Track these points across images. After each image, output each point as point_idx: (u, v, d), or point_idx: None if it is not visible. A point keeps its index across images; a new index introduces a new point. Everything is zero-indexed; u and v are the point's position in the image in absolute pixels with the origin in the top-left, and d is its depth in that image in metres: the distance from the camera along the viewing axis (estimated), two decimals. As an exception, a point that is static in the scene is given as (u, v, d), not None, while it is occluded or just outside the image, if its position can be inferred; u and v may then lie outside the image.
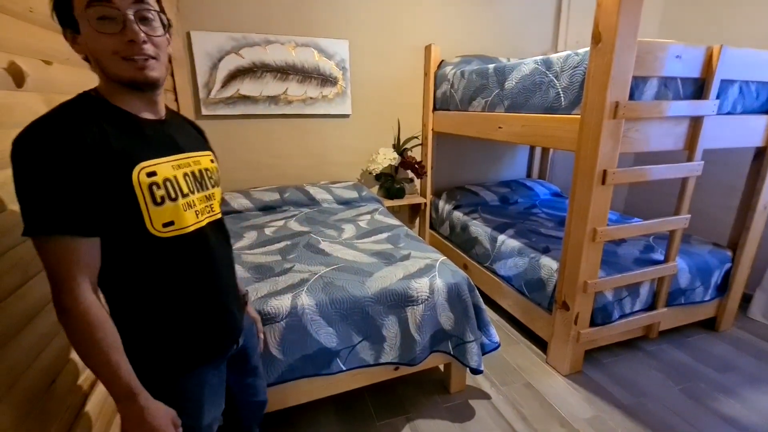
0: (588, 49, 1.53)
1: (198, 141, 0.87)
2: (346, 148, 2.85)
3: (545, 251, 2.08)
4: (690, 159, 1.75)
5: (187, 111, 2.35)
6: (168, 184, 0.71)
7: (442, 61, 2.78)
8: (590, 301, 1.80)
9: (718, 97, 1.67)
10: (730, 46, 1.64)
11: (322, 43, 2.56)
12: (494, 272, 2.36)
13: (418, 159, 2.96)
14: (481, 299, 1.66)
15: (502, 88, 2.08)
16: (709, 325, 2.26)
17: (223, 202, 2.38)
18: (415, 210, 3.20)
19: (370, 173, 2.85)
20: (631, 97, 1.52)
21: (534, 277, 2.04)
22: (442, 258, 1.77)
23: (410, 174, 2.97)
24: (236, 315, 0.90)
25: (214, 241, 0.83)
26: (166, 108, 0.81)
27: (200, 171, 0.81)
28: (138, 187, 0.67)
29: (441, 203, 3.02)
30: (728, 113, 1.76)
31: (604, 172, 1.57)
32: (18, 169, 0.60)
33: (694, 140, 1.71)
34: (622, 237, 1.84)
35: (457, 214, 2.80)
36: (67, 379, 0.93)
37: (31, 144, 0.60)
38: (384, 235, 2.06)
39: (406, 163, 2.86)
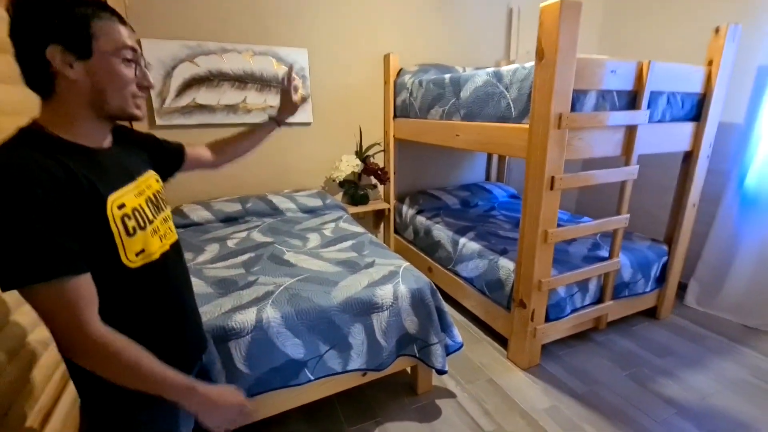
0: (533, 63, 1.64)
1: (140, 158, 0.84)
2: (309, 156, 2.85)
3: (503, 253, 2.18)
4: (627, 164, 1.91)
5: (142, 121, 2.27)
6: (136, 213, 0.72)
7: (401, 69, 2.85)
8: (545, 299, 1.92)
9: (649, 107, 1.84)
10: (663, 60, 1.82)
11: (280, 52, 2.55)
12: (457, 274, 2.45)
13: (381, 165, 3.01)
14: (443, 302, 1.73)
15: (458, 98, 2.17)
16: (651, 313, 2.46)
17: (183, 214, 2.32)
18: (379, 216, 3.25)
19: (334, 180, 2.87)
20: (573, 108, 1.64)
21: (493, 278, 2.14)
22: (405, 264, 1.82)
23: (373, 180, 3.02)
24: (201, 329, 0.93)
25: (176, 261, 0.84)
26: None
27: (154, 194, 0.80)
28: (112, 221, 0.66)
29: (404, 208, 3.08)
30: (659, 121, 1.94)
31: (552, 178, 1.68)
32: None
33: (630, 147, 1.87)
34: (571, 237, 1.97)
35: (420, 219, 2.87)
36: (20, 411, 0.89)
37: (3, 190, 0.55)
38: (348, 243, 2.08)
39: (369, 169, 2.90)
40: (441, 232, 2.62)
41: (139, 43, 2.20)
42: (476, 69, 2.83)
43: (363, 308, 1.54)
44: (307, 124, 2.78)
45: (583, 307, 2.12)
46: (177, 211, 2.35)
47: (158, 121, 2.35)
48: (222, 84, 2.45)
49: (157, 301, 0.77)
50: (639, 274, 2.24)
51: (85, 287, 0.62)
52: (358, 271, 1.73)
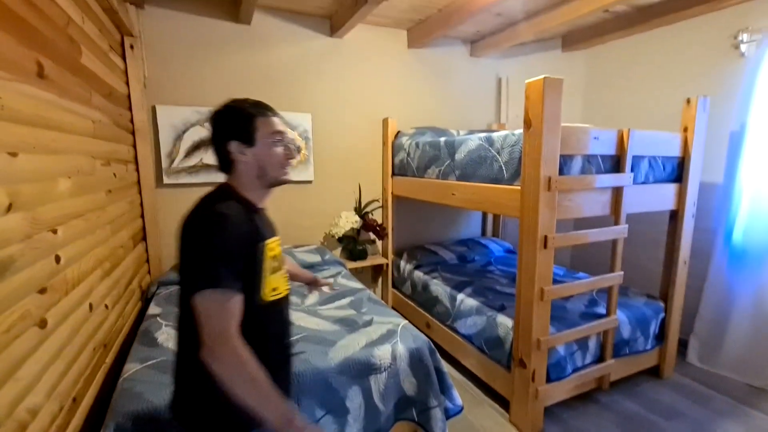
0: (522, 130, 1.77)
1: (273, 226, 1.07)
2: (309, 212, 2.93)
3: (501, 309, 2.19)
4: (616, 223, 1.98)
5: (148, 181, 2.37)
6: (277, 258, 0.96)
7: (399, 131, 3.03)
8: (545, 358, 1.89)
9: (632, 170, 1.95)
10: (643, 127, 1.96)
11: (286, 116, 2.72)
12: (455, 331, 2.43)
13: (379, 221, 3.09)
14: (442, 362, 1.71)
15: (452, 159, 2.29)
16: (654, 372, 2.41)
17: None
18: (377, 270, 3.27)
19: (333, 236, 2.92)
20: (561, 171, 1.74)
21: (492, 335, 2.13)
22: (404, 322, 1.82)
23: (372, 236, 3.08)
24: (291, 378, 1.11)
25: (289, 303, 1.06)
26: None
27: (280, 252, 1.02)
28: (263, 259, 0.90)
29: (402, 263, 3.11)
30: (643, 183, 2.05)
31: (545, 237, 1.75)
32: (204, 240, 0.82)
33: (618, 207, 1.96)
34: (567, 295, 1.99)
35: (418, 274, 2.89)
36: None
37: (221, 227, 0.83)
38: (347, 300, 2.09)
39: (367, 225, 2.97)
40: (439, 287, 2.63)
41: (153, 110, 2.38)
42: (470, 132, 3.01)
43: (361, 370, 1.52)
44: (309, 182, 2.89)
45: (584, 366, 2.08)
46: (176, 268, 2.37)
47: (165, 180, 2.44)
48: (229, 145, 2.59)
49: (275, 331, 0.98)
50: (638, 331, 2.23)
51: (239, 304, 0.82)
52: (356, 330, 1.73)
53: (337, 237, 2.92)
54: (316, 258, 2.67)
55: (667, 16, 2.64)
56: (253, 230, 0.90)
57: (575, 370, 2.05)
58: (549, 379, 1.95)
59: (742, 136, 2.38)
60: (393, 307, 3.20)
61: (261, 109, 0.96)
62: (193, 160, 2.49)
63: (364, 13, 2.39)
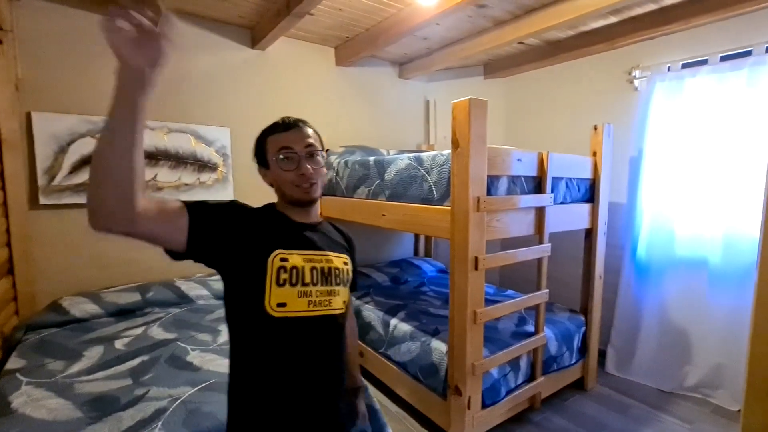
0: (450, 150, 1.74)
1: (338, 245, 1.01)
2: (228, 235, 2.65)
3: (435, 333, 2.11)
4: (540, 242, 2.03)
5: (19, 202, 1.94)
6: (294, 271, 0.85)
7: (327, 150, 2.90)
8: (479, 383, 1.83)
9: (552, 191, 2.03)
10: (561, 150, 2.05)
11: (200, 130, 2.46)
12: (389, 358, 2.29)
13: (308, 243, 2.89)
14: (374, 400, 1.55)
15: (382, 179, 2.22)
16: (579, 385, 2.49)
17: (60, 309, 1.92)
18: (306, 296, 3.04)
19: (256, 261, 2.66)
20: (489, 192, 1.74)
21: (427, 362, 2.03)
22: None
23: (300, 259, 2.86)
24: (328, 409, 0.91)
25: (323, 333, 0.90)
26: (322, 217, 1.03)
27: (329, 268, 0.92)
28: (269, 266, 0.82)
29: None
30: (562, 203, 2.14)
31: (476, 258, 1.71)
32: (228, 203, 0.86)
33: (541, 226, 2.01)
34: (498, 316, 1.98)
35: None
36: None
37: (241, 203, 0.90)
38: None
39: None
40: (371, 313, 2.50)
41: (28, 117, 1.99)
42: (399, 151, 2.99)
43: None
44: (227, 202, 2.62)
45: (517, 387, 2.07)
46: (53, 306, 1.95)
47: (43, 200, 2.03)
48: (129, 160, 2.25)
49: (287, 356, 0.85)
50: (564, 346, 2.29)
51: (175, 206, 0.76)
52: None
53: (260, 263, 2.66)
54: (234, 287, 2.39)
55: (573, 51, 2.89)
56: (256, 221, 0.87)
57: (509, 392, 2.02)
58: (484, 405, 1.89)
59: (640, 161, 2.64)
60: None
61: (276, 126, 0.93)
62: (81, 177, 2.11)
63: (286, 26, 2.27)
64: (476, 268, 1.72)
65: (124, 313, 2.04)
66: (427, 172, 1.91)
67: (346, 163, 2.59)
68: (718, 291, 2.31)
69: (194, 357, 1.61)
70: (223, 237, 0.80)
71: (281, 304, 0.83)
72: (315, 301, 0.87)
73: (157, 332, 1.85)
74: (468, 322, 1.74)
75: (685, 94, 2.43)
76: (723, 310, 2.29)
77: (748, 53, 2.20)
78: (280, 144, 0.89)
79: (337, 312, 0.92)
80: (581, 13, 2.16)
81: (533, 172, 1.96)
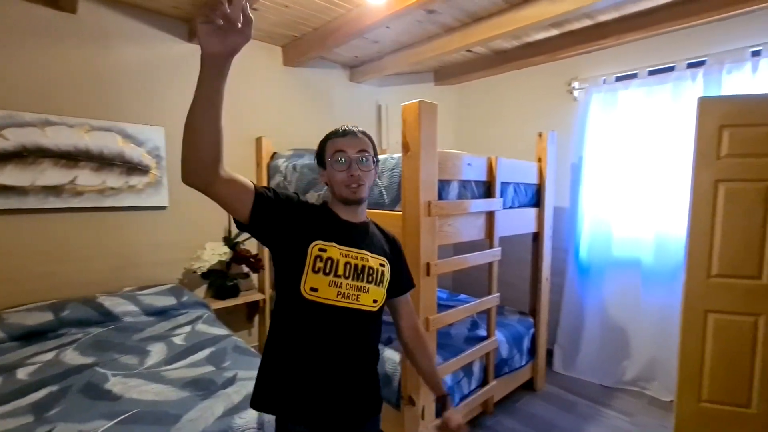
0: (399, 154, 1.70)
1: (378, 247, 1.06)
2: (163, 245, 2.42)
3: (388, 342, 2.04)
4: (491, 246, 2.04)
5: None
6: (329, 262, 0.94)
7: (275, 153, 2.76)
8: (433, 392, 1.79)
9: (501, 196, 2.05)
10: (509, 156, 2.08)
11: (129, 129, 2.23)
12: (341, 371, 2.19)
13: (254, 252, 2.72)
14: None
15: (332, 183, 2.12)
16: (529, 386, 2.54)
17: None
18: (253, 308, 2.86)
19: (195, 272, 2.45)
20: (440, 197, 1.71)
21: (380, 373, 1.95)
22: (276, 375, 1.52)
23: (245, 268, 2.69)
24: (346, 394, 0.99)
25: (347, 325, 0.98)
26: (371, 220, 1.11)
27: (363, 266, 0.99)
28: (309, 254, 0.93)
29: (282, 298, 2.78)
30: (510, 207, 2.18)
31: (428, 264, 1.67)
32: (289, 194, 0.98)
33: (491, 230, 2.03)
34: (451, 322, 1.95)
35: (300, 310, 2.60)
36: None
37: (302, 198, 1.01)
38: (205, 353, 1.69)
39: (239, 257, 2.58)
40: (322, 324, 2.38)
41: None
42: (351, 155, 2.91)
43: (215, 450, 1.17)
44: (161, 208, 2.39)
45: (470, 393, 2.05)
46: (-61, 333, 1.64)
47: (-74, 207, 1.72)
48: (42, 161, 1.98)
49: (310, 337, 0.95)
50: (515, 349, 2.32)
51: (250, 187, 0.89)
52: (213, 394, 1.37)
53: (200, 273, 2.45)
54: (169, 301, 2.17)
55: (518, 62, 2.99)
56: (306, 213, 0.97)
57: (463, 398, 2.00)
58: (438, 414, 1.84)
59: (580, 167, 2.77)
60: (272, 351, 2.83)
61: (336, 132, 1.01)
62: (-20, 180, 1.81)
63: (229, 18, 2.13)
64: (428, 274, 1.68)
65: (32, 335, 1.77)
66: (378, 176, 1.85)
67: (294, 167, 2.47)
68: (650, 289, 2.47)
69: (114, 384, 1.41)
70: (277, 221, 0.92)
71: (314, 289, 0.93)
72: (344, 293, 0.95)
73: (72, 357, 1.61)
74: (421, 329, 1.69)
75: (619, 105, 2.59)
76: (655, 306, 2.44)
77: (672, 68, 2.39)
78: (335, 147, 0.98)
79: (365, 308, 0.99)
80: (523, 24, 2.23)
81: (483, 177, 1.97)
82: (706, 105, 1.95)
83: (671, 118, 2.36)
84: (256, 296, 2.73)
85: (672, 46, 2.39)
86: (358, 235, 1.02)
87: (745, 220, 1.92)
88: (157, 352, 1.70)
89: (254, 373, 1.49)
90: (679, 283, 2.08)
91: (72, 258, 2.11)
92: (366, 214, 1.09)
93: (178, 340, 1.82)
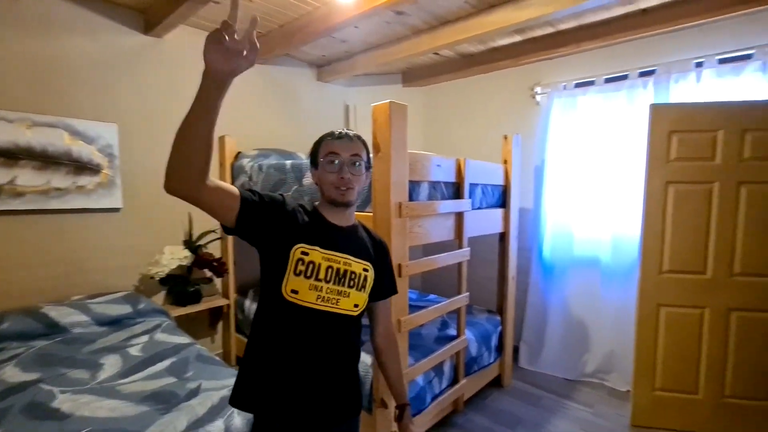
0: (371, 155, 1.68)
1: (364, 252, 1.05)
2: (116, 249, 2.26)
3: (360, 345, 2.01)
4: (460, 246, 2.07)
5: None
6: (311, 265, 0.95)
7: (239, 152, 2.66)
8: (404, 393, 1.78)
9: (470, 197, 2.09)
10: (476, 158, 2.11)
11: (78, 125, 2.07)
12: (311, 376, 2.14)
13: (217, 255, 2.61)
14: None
15: (300, 184, 2.08)
16: (497, 382, 2.59)
17: None
18: (216, 314, 2.74)
19: (153, 278, 2.31)
20: (410, 198, 1.71)
21: (351, 377, 1.92)
22: (243, 383, 1.45)
23: (208, 273, 2.57)
24: (323, 396, 0.99)
25: (326, 328, 0.98)
26: (359, 223, 1.12)
27: (345, 271, 0.99)
28: (291, 256, 0.94)
29: (248, 302, 2.68)
30: (478, 208, 2.22)
31: (399, 265, 1.66)
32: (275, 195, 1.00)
33: (460, 231, 2.05)
34: (422, 323, 1.96)
35: (267, 314, 2.51)
36: None
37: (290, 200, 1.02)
38: (165, 364, 1.60)
39: (201, 261, 2.46)
40: (290, 329, 2.32)
41: None
42: (319, 156, 2.85)
43: (177, 468, 1.10)
44: (115, 210, 2.24)
45: (441, 392, 2.07)
46: None
47: None
48: (-26, 159, 1.79)
49: (289, 338, 0.96)
50: (483, 347, 2.37)
51: (234, 192, 0.89)
52: (175, 407, 1.29)
53: (158, 278, 2.32)
54: (124, 309, 2.03)
55: (484, 65, 3.06)
56: (292, 216, 0.97)
57: (434, 397, 2.01)
58: (411, 414, 1.84)
59: (543, 169, 2.87)
60: (238, 357, 2.72)
61: (333, 133, 1.03)
62: None
63: (186, 12, 2.04)
64: (399, 275, 1.67)
65: (-37, 353, 1.59)
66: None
67: (260, 167, 2.39)
68: (609, 286, 2.60)
69: (63, 401, 1.30)
70: (263, 224, 0.93)
71: (294, 291, 0.94)
72: (324, 297, 0.96)
73: (12, 373, 1.47)
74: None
75: (578, 110, 2.71)
76: (613, 302, 2.57)
77: (625, 77, 2.53)
78: (329, 149, 0.99)
79: (345, 312, 0.99)
80: (489, 29, 2.29)
81: (452, 178, 1.99)
82: (657, 112, 2.09)
83: (626, 123, 2.49)
84: (220, 302, 2.62)
85: (626, 56, 2.53)
86: (344, 239, 1.02)
87: (692, 220, 2.06)
88: (111, 364, 1.58)
89: (220, 383, 1.44)
90: (635, 280, 2.20)
91: (12, 265, 1.93)
92: (355, 217, 1.09)
93: (134, 350, 1.70)
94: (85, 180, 2.10)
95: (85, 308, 1.95)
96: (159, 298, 2.45)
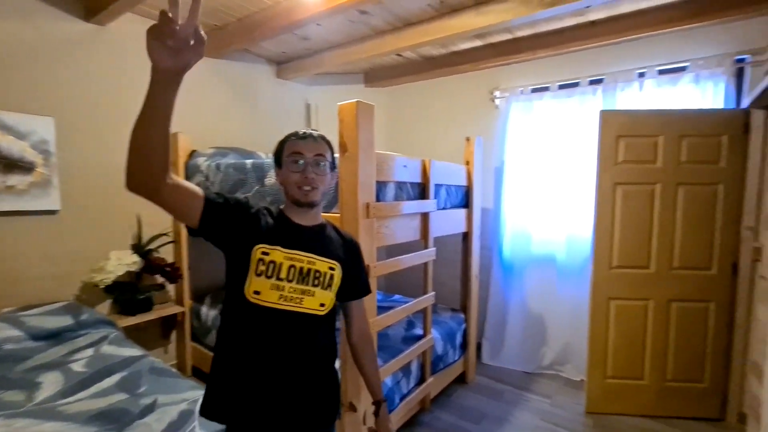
0: (337, 154, 1.65)
1: (331, 251, 1.04)
2: (54, 255, 2.06)
3: (325, 349, 1.97)
4: (426, 246, 2.09)
5: None
6: (272, 265, 0.94)
7: (194, 151, 2.52)
8: (373, 396, 1.76)
9: (435, 197, 2.11)
10: (440, 159, 2.14)
11: (7, 119, 1.86)
12: (275, 384, 2.06)
13: (170, 260, 2.45)
14: None
15: (262, 185, 2.00)
16: (461, 379, 2.64)
17: None
18: (169, 323, 2.57)
19: (96, 286, 2.12)
20: (378, 198, 1.70)
21: (317, 382, 1.88)
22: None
23: (160, 279, 2.41)
24: (292, 398, 0.96)
25: (291, 328, 0.96)
26: (329, 222, 1.11)
27: (309, 269, 0.98)
28: (252, 257, 0.93)
29: (204, 309, 2.54)
30: (443, 209, 2.25)
31: (368, 266, 1.64)
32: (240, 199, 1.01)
33: (426, 231, 2.07)
34: (389, 324, 1.95)
35: (226, 321, 2.40)
36: None
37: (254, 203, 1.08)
38: (114, 379, 1.47)
39: (152, 266, 2.30)
40: (252, 335, 2.22)
41: None
42: (281, 155, 2.77)
43: (131, 493, 1.01)
44: (52, 212, 2.03)
45: (409, 392, 2.07)
46: None
47: None
48: None
49: (253, 339, 0.95)
50: (448, 345, 2.40)
51: (197, 192, 0.88)
52: (128, 427, 1.19)
53: (103, 286, 2.13)
54: (63, 321, 1.84)
55: (446, 68, 3.12)
56: (254, 217, 0.97)
57: (402, 398, 2.01)
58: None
59: (502, 171, 2.97)
60: (194, 367, 2.58)
61: (297, 133, 1.01)
62: None
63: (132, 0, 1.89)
64: (368, 276, 1.65)
65: None
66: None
67: (217, 166, 2.27)
68: (564, 283, 2.73)
69: (-8, 429, 1.15)
70: (226, 226, 0.92)
71: (257, 292, 0.93)
72: (286, 296, 0.95)
73: (-73, 401, 1.28)
74: (360, 333, 1.66)
75: (534, 115, 2.83)
76: (568, 298, 2.71)
77: (577, 84, 2.68)
78: (292, 149, 0.99)
79: (310, 312, 0.98)
80: (450, 33, 2.33)
81: (417, 179, 2.01)
82: (605, 117, 2.23)
83: (578, 127, 2.64)
84: (174, 309, 2.47)
85: (578, 65, 2.68)
86: (309, 238, 1.01)
87: (638, 218, 2.22)
88: (50, 383, 1.43)
89: (178, 396, 1.35)
90: (587, 276, 2.34)
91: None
92: (321, 217, 1.09)
93: (78, 366, 1.55)
94: (16, 179, 1.89)
95: (16, 322, 1.74)
96: (104, 308, 2.26)
